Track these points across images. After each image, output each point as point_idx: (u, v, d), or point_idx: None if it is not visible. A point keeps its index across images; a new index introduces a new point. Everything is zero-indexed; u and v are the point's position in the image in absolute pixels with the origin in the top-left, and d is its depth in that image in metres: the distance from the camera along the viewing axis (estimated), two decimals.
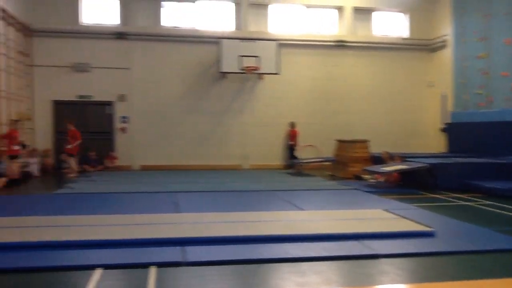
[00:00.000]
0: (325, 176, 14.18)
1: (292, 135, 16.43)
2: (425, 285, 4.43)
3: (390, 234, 6.15)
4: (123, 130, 16.02)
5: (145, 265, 4.87)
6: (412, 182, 11.61)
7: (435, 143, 17.39)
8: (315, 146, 16.65)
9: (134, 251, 5.34)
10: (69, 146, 13.46)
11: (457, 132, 15.38)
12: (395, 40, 17.73)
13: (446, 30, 16.89)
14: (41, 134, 15.48)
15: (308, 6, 17.19)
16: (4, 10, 12.97)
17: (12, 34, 13.71)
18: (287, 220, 6.92)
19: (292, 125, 16.48)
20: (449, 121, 16.15)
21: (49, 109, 15.64)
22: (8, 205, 8.77)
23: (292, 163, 15.98)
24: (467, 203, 9.25)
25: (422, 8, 17.73)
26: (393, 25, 17.96)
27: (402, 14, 17.95)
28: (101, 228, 6.23)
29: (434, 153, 15.18)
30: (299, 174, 14.37)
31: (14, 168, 11.87)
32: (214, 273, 4.71)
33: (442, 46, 17.15)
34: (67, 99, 15.72)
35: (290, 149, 16.44)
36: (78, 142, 13.56)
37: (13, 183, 11.39)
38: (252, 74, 16.16)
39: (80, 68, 15.65)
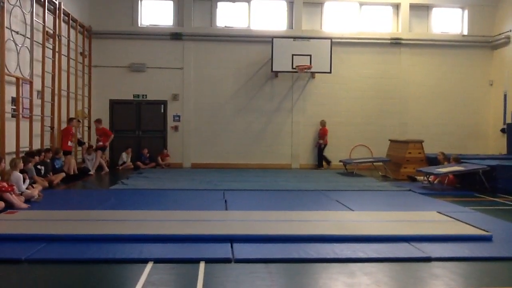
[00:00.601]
0: (377, 177, 13.91)
1: (322, 134, 16.23)
2: None
3: (443, 237, 5.96)
4: (175, 128, 16.37)
5: (195, 261, 4.97)
6: (469, 185, 11.20)
7: (494, 145, 16.64)
8: (367, 146, 16.40)
9: (184, 246, 5.46)
10: (100, 143, 14.25)
11: None
12: (454, 37, 17.10)
13: (509, 25, 16.11)
14: None
15: (362, 4, 16.90)
16: (67, 14, 13.58)
17: (74, 36, 14.34)
18: (337, 221, 6.84)
19: (323, 123, 16.27)
20: (510, 121, 15.41)
21: (106, 108, 16.23)
22: (64, 200, 9.19)
23: (327, 161, 16.16)
24: None
25: (482, 3, 16.99)
26: (451, 21, 17.32)
27: (460, 10, 17.29)
28: (153, 223, 6.41)
29: (493, 155, 14.54)
30: (351, 174, 14.16)
31: (71, 164, 12.41)
32: (262, 271, 4.73)
33: (504, 43, 16.37)
34: (123, 98, 16.25)
35: (320, 148, 16.30)
36: (111, 137, 14.53)
37: (70, 179, 11.90)
38: (304, 72, 16.09)
39: (136, 68, 16.14)
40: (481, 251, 5.43)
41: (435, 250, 5.39)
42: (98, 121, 14.61)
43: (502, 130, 16.08)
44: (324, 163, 16.40)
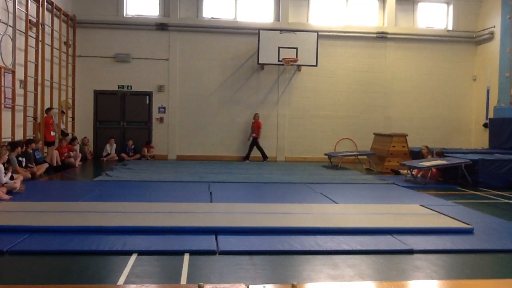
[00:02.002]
0: (361, 170, 14.01)
1: (255, 127, 16.02)
2: (461, 282, 4.32)
3: (426, 229, 6.04)
4: (160, 120, 16.28)
5: (179, 253, 4.97)
6: (452, 178, 11.35)
7: (477, 139, 16.89)
8: (351, 140, 16.52)
9: (168, 238, 5.45)
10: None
11: (499, 127, 14.85)
12: (439, 32, 17.23)
13: (493, 21, 16.28)
14: (81, 123, 15.91)
15: None
16: (51, 3, 13.37)
17: (57, 25, 14.12)
18: (321, 213, 6.88)
19: (256, 117, 16.06)
20: (492, 116, 15.62)
21: (90, 99, 16.05)
22: (47, 191, 9.10)
23: (264, 156, 15.86)
24: (508, 200, 8.95)
25: None
26: (436, 16, 17.44)
27: (445, 5, 17.41)
28: (137, 215, 6.38)
29: (475, 149, 14.74)
30: (335, 167, 14.25)
31: (53, 155, 12.26)
32: (246, 263, 4.75)
33: (488, 38, 16.55)
34: (107, 89, 16.08)
35: (253, 141, 15.99)
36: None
37: (53, 170, 11.76)
38: (290, 65, 16.09)
39: (121, 58, 15.97)
40: (463, 243, 5.51)
41: (417, 243, 5.46)
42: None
43: (485, 125, 16.31)
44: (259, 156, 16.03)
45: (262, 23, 16.39)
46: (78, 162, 13.25)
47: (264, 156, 16.01)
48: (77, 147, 13.92)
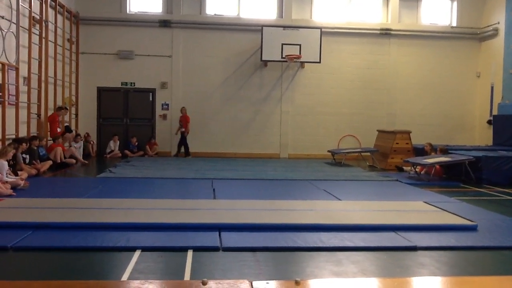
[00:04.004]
0: (364, 167, 13.99)
1: (183, 121, 15.72)
2: (464, 279, 4.31)
3: (429, 226, 6.02)
4: (164, 117, 16.28)
5: (183, 249, 4.97)
6: (455, 175, 11.32)
7: (481, 136, 16.83)
8: (355, 137, 16.51)
9: (172, 234, 5.45)
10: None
11: (503, 124, 14.80)
12: (443, 28, 17.15)
13: (497, 18, 16.20)
14: (85, 120, 15.94)
15: None
16: (55, 0, 13.40)
17: (61, 22, 14.13)
18: (324, 210, 6.88)
19: (183, 110, 15.76)
20: (496, 113, 15.57)
21: (94, 96, 16.07)
22: (51, 188, 9.12)
23: (186, 152, 15.56)
24: None
25: None
26: (440, 13, 17.37)
27: (449, 1, 17.33)
28: (140, 212, 6.39)
29: (479, 146, 14.70)
30: (339, 164, 14.23)
31: (57, 152, 12.28)
32: (250, 259, 4.75)
33: (492, 35, 16.47)
34: (110, 86, 16.10)
35: (182, 136, 15.72)
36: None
37: (57, 167, 11.79)
38: (293, 62, 16.06)
39: (124, 55, 15.98)
40: (466, 240, 5.50)
41: (421, 239, 5.45)
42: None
43: (489, 122, 16.25)
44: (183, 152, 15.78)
45: (265, 19, 16.35)
46: (80, 159, 13.21)
47: (187, 153, 15.61)
48: (80, 143, 13.95)
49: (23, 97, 11.56)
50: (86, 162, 13.15)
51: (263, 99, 16.61)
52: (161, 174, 11.15)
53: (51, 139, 12.66)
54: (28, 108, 11.86)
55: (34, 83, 12.20)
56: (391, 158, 13.48)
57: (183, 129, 15.69)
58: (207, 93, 16.38)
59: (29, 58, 11.76)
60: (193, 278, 4.19)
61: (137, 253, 4.82)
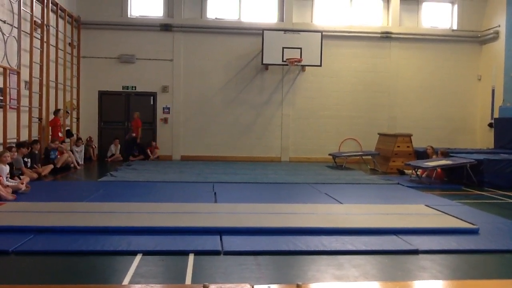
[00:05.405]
0: (366, 170, 13.98)
1: (134, 126, 15.55)
2: (466, 283, 4.30)
3: (431, 230, 6.02)
4: (165, 120, 16.30)
5: (184, 253, 4.97)
6: (457, 178, 11.30)
7: (482, 139, 16.81)
8: (356, 140, 16.50)
9: (173, 238, 5.45)
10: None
11: (504, 127, 14.79)
12: (443, 32, 17.16)
13: (498, 21, 16.21)
14: (86, 124, 15.95)
15: None
16: (56, 4, 13.42)
17: (62, 26, 14.17)
18: (325, 213, 6.87)
19: (135, 115, 15.56)
20: (497, 116, 15.56)
21: (95, 99, 16.09)
22: (52, 192, 9.12)
23: (141, 153, 15.38)
24: None
25: None
26: (441, 16, 17.38)
27: (450, 5, 17.35)
28: (141, 215, 6.39)
29: (480, 149, 14.68)
30: (340, 167, 14.22)
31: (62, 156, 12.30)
32: (251, 263, 4.75)
33: (493, 38, 16.47)
34: (112, 90, 16.12)
35: (133, 141, 15.47)
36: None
37: (58, 171, 11.79)
38: (294, 66, 16.08)
39: (125, 59, 16.00)
40: (468, 243, 5.49)
41: (422, 243, 5.44)
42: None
43: (490, 125, 16.24)
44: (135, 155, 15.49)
45: (266, 23, 16.38)
46: (78, 163, 13.09)
47: (146, 156, 15.44)
48: (82, 147, 13.96)
49: (24, 101, 11.59)
50: (78, 167, 12.94)
51: (264, 103, 16.62)
52: (162, 177, 11.15)
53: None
54: (30, 112, 11.87)
55: (35, 87, 12.22)
56: (393, 161, 13.47)
57: (134, 134, 15.52)
58: (208, 97, 16.40)
59: (31, 62, 11.79)
60: (194, 282, 4.19)
61: (138, 257, 4.82)
